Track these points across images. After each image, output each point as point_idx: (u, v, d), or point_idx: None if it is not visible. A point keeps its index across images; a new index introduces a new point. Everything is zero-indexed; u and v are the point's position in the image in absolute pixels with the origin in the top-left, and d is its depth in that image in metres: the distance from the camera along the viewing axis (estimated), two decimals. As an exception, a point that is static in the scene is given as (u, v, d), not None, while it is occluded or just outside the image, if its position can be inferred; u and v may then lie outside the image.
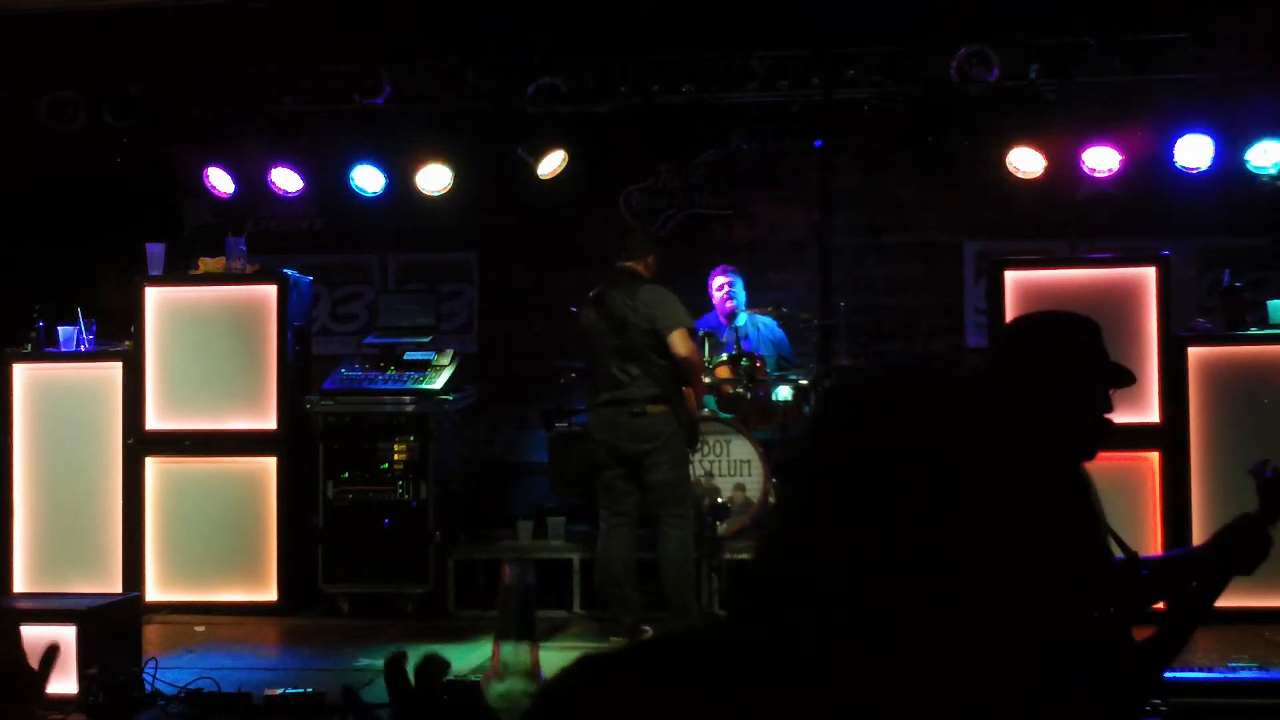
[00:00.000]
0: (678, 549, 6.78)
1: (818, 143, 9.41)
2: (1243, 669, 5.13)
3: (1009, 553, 1.02)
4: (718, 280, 8.49)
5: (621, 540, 6.91)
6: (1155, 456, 7.34)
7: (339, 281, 10.29)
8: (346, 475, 7.87)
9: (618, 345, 6.84)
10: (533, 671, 1.64)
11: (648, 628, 6.86)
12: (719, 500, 7.38)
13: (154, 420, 8.02)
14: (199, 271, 8.20)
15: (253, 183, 9.06)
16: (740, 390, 7.99)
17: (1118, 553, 2.78)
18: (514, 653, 1.64)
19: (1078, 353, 2.78)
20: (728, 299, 8.42)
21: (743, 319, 8.49)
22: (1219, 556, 2.77)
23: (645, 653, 1.13)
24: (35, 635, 5.56)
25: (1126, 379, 2.80)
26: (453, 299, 10.11)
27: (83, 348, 8.07)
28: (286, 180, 9.03)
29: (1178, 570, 2.82)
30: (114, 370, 8.05)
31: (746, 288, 8.58)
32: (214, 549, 7.96)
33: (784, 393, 8.18)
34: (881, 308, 9.62)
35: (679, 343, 6.76)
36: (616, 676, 1.10)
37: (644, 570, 6.96)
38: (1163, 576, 2.82)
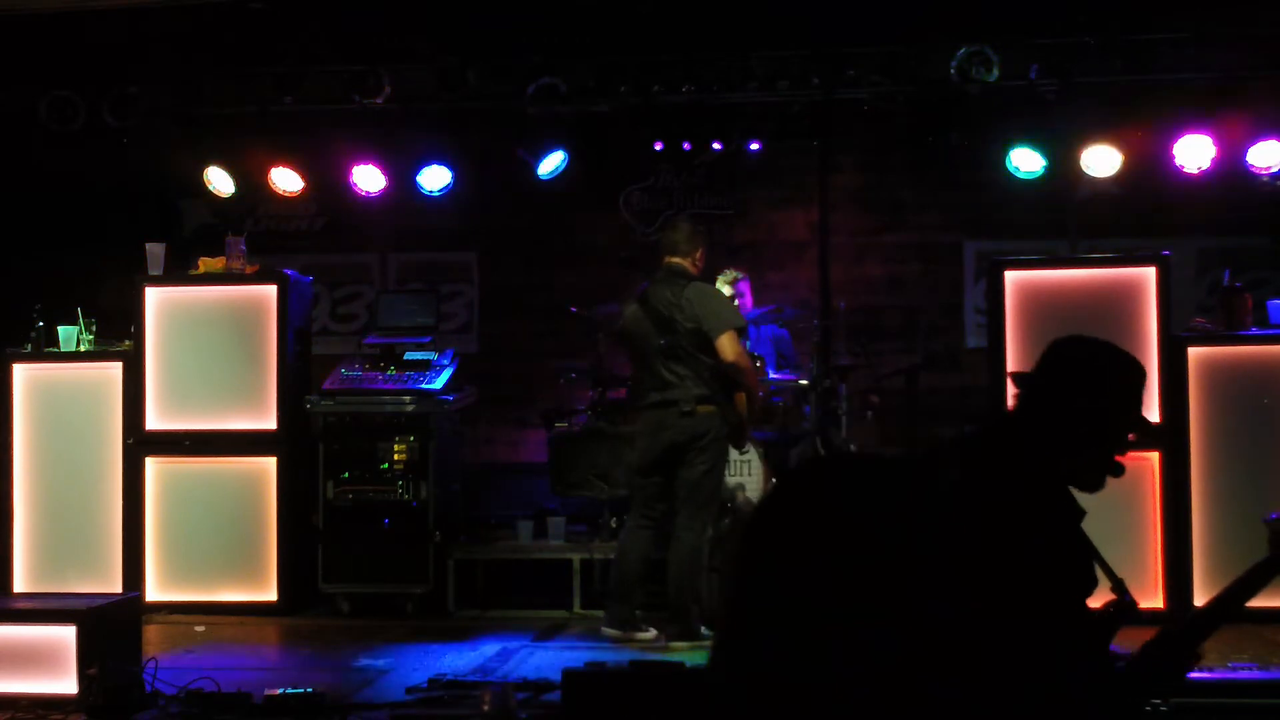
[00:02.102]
0: (687, 553, 6.71)
1: (817, 143, 9.41)
2: (1243, 669, 5.13)
3: (1005, 560, 1.02)
4: (728, 287, 8.46)
5: (639, 541, 6.88)
6: (1155, 456, 7.33)
7: (339, 281, 10.30)
8: (346, 475, 7.88)
9: (664, 345, 6.73)
10: None
11: (649, 628, 6.85)
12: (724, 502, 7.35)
13: (154, 420, 8.02)
14: (199, 271, 8.20)
15: (253, 183, 9.06)
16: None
17: (1105, 581, 2.81)
18: None
19: (1124, 392, 2.83)
20: (736, 302, 8.39)
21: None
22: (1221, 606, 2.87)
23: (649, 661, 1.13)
24: (35, 635, 5.58)
25: (1150, 431, 2.86)
26: (453, 299, 10.11)
27: (83, 348, 8.07)
28: (286, 180, 9.02)
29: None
30: (114, 370, 8.05)
31: (751, 290, 8.58)
32: (214, 549, 7.96)
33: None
34: (881, 308, 9.63)
35: (726, 346, 6.64)
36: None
37: (654, 568, 6.95)
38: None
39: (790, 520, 1.03)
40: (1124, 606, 2.77)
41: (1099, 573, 2.78)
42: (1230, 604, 2.91)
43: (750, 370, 6.91)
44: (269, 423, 7.99)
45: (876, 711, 0.97)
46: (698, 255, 6.93)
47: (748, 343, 8.25)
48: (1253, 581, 2.93)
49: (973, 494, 2.34)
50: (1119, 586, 2.79)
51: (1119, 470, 2.80)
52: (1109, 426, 2.82)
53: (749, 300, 8.51)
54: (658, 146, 9.22)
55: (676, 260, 6.90)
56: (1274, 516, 3.08)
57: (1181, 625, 2.90)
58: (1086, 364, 2.86)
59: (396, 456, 7.87)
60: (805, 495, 1.03)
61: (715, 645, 1.07)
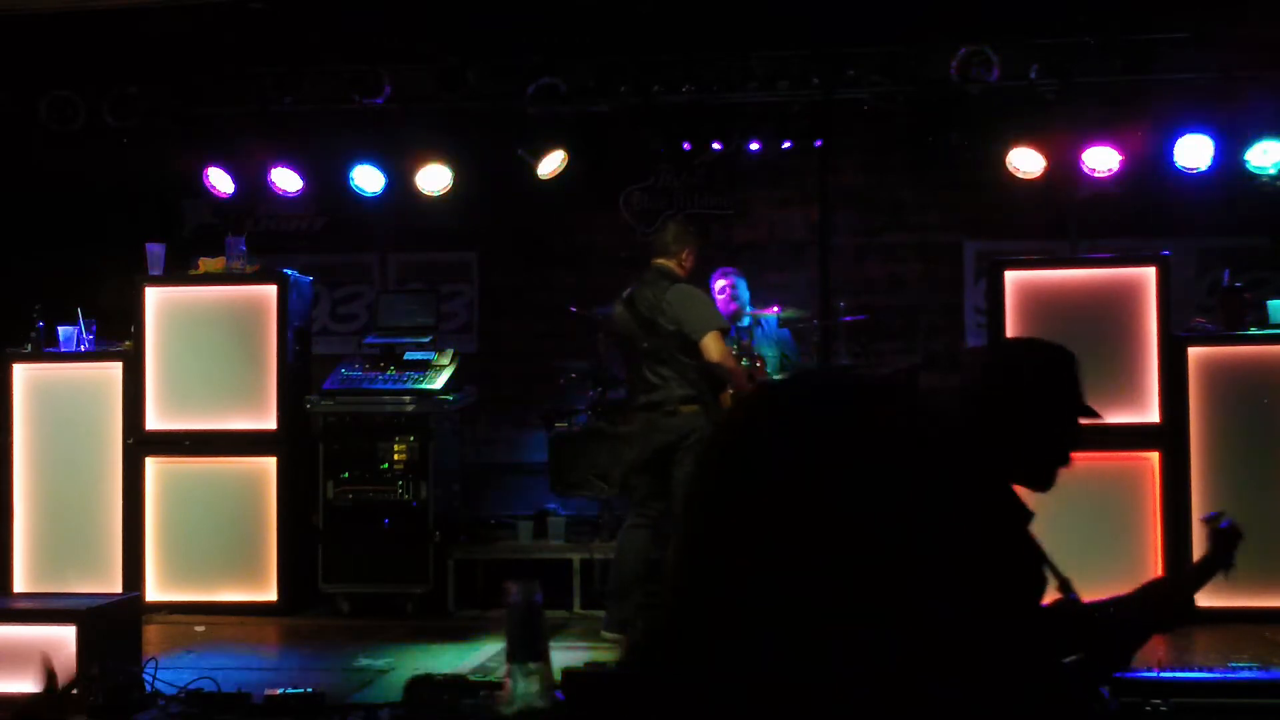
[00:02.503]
0: None
1: (818, 143, 9.40)
2: (1243, 669, 5.13)
3: (987, 556, 1.02)
4: (719, 283, 8.46)
5: (636, 541, 6.89)
6: (1155, 456, 7.33)
7: (339, 281, 10.29)
8: (346, 475, 7.88)
9: (648, 347, 6.79)
10: (544, 692, 1.64)
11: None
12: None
13: (154, 420, 8.02)
14: (199, 271, 8.20)
15: (253, 183, 9.06)
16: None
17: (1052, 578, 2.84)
18: (524, 679, 1.63)
19: (1059, 385, 2.88)
20: (730, 300, 8.39)
21: (746, 319, 8.48)
22: (1142, 611, 2.94)
23: (642, 658, 1.13)
24: (35, 635, 5.58)
25: (1094, 414, 2.89)
26: (453, 299, 10.10)
27: (83, 348, 8.07)
28: (286, 180, 9.02)
29: (1106, 617, 2.94)
30: (114, 370, 8.05)
31: (748, 288, 8.56)
32: (214, 549, 7.96)
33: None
34: (881, 308, 9.62)
35: (709, 347, 6.66)
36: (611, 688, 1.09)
37: (653, 568, 6.95)
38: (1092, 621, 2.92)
39: (788, 515, 1.03)
40: (1070, 605, 2.82)
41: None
42: (1177, 602, 2.96)
43: (736, 370, 6.94)
44: (269, 423, 7.99)
45: (876, 711, 0.97)
46: (684, 256, 6.94)
47: (750, 341, 8.26)
48: (1196, 579, 2.99)
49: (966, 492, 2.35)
50: (1065, 585, 2.84)
51: (1069, 463, 2.86)
52: (1069, 423, 2.87)
53: (742, 296, 8.47)
54: (661, 150, 9.21)
55: (662, 261, 6.93)
56: (1211, 515, 3.14)
57: (1132, 618, 2.93)
58: (1039, 368, 2.91)
59: (396, 456, 7.87)
60: (803, 489, 1.03)
61: (700, 643, 1.06)
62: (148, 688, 5.53)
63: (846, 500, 1.01)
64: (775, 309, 8.60)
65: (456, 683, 5.39)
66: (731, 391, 6.86)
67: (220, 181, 8.99)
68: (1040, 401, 2.85)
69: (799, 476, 1.03)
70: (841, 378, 1.12)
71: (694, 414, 6.72)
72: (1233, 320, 7.40)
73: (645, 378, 6.81)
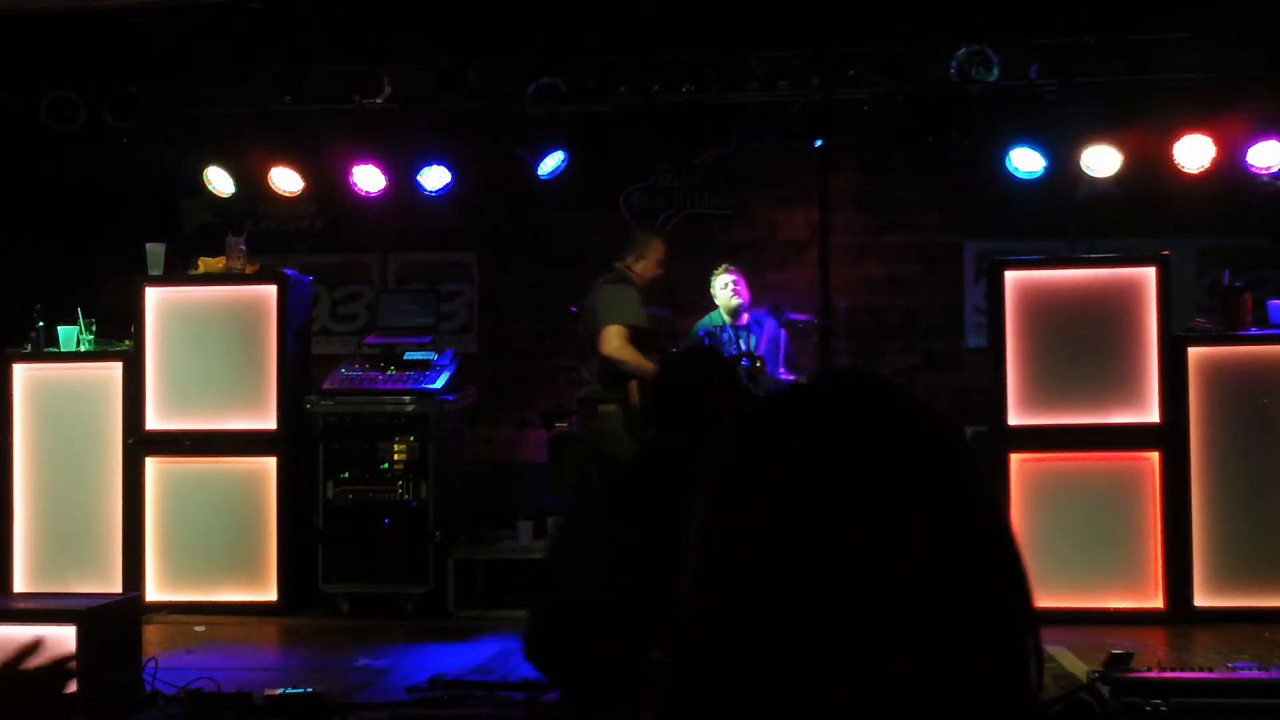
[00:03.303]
0: None
1: (818, 143, 9.41)
2: (1243, 669, 5.12)
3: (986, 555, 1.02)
4: (722, 280, 8.46)
5: None
6: (1155, 456, 7.33)
7: (339, 281, 10.29)
8: (346, 475, 7.88)
9: (580, 346, 7.00)
10: None
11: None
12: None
13: (154, 420, 8.02)
14: (199, 271, 8.20)
15: (253, 183, 9.06)
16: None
17: None
18: None
19: None
20: (732, 298, 8.39)
21: (745, 318, 8.48)
22: None
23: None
24: (35, 635, 5.57)
25: None
26: (453, 299, 10.11)
27: (83, 348, 8.07)
28: (286, 180, 9.03)
29: None
30: (114, 370, 8.05)
31: (747, 288, 8.56)
32: (214, 549, 7.96)
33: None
34: (881, 308, 9.62)
35: (604, 339, 6.77)
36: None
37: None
38: None
39: (788, 515, 1.02)
40: None
41: None
42: None
43: (635, 363, 6.88)
44: (269, 423, 7.99)
45: (876, 711, 0.97)
46: (633, 260, 7.03)
47: (751, 341, 8.25)
48: None
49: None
50: None
51: None
52: None
53: (745, 295, 8.47)
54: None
55: (617, 264, 7.02)
56: None
57: None
58: None
59: (396, 456, 7.87)
60: (799, 487, 1.03)
61: (696, 647, 1.06)
62: (148, 688, 5.53)
63: (846, 500, 1.01)
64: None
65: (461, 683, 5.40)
66: (636, 384, 6.92)
67: (220, 181, 8.99)
68: None
69: (799, 476, 1.03)
70: (843, 379, 1.12)
71: (612, 415, 6.77)
72: (1233, 320, 7.40)
73: (582, 374, 6.92)
